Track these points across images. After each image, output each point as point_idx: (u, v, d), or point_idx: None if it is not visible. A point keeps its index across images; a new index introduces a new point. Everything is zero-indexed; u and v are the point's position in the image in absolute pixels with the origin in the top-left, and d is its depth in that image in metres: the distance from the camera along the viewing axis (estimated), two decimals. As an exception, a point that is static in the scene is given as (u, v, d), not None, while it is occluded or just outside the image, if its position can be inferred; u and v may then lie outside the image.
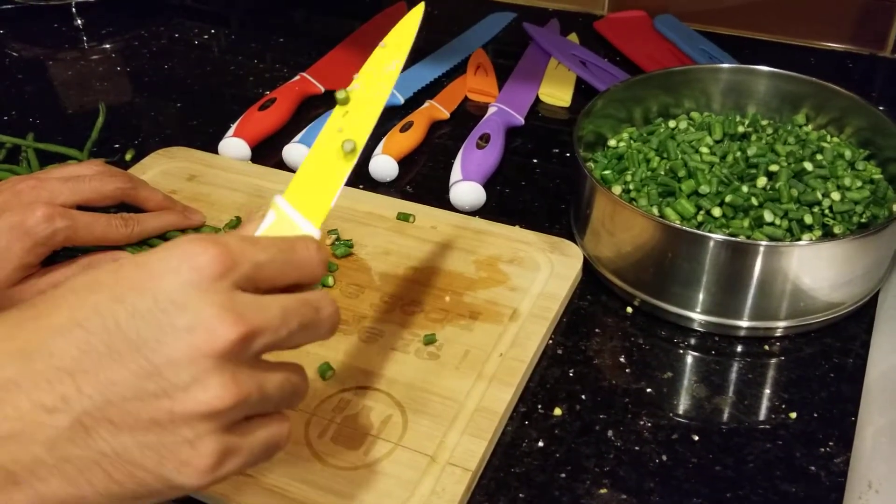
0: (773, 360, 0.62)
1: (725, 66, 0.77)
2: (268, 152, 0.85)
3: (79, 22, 1.15)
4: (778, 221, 0.62)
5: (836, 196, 0.64)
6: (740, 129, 0.72)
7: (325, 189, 0.47)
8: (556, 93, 0.93)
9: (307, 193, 0.46)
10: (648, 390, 0.60)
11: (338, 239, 0.71)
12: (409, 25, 0.54)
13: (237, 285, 0.36)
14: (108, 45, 1.10)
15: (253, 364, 0.37)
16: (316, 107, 0.93)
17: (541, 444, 0.56)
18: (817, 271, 0.60)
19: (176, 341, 0.34)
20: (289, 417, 0.40)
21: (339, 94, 0.51)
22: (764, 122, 0.75)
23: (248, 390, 0.36)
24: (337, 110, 0.51)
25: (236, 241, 0.37)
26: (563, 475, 0.54)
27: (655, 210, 0.65)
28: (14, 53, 1.08)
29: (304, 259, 0.40)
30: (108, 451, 0.34)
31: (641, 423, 0.57)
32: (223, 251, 0.36)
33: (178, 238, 0.37)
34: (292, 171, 0.82)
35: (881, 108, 0.70)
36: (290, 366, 0.40)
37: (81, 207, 0.65)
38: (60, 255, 0.66)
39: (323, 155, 0.48)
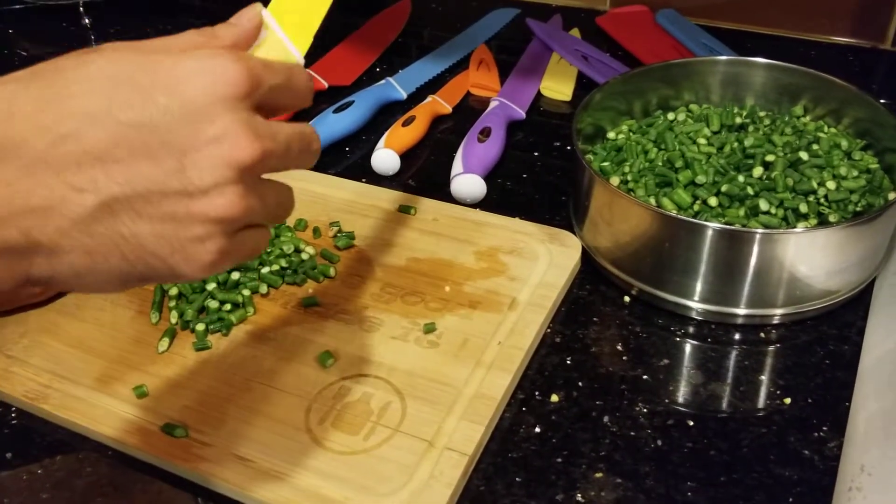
0: (770, 348, 0.63)
1: (723, 58, 0.77)
2: (272, 147, 0.86)
3: (86, 21, 1.17)
4: (773, 210, 0.63)
5: (831, 185, 0.64)
6: (738, 120, 0.73)
7: (308, 20, 0.48)
8: (558, 87, 0.94)
9: (292, 18, 0.47)
10: (645, 377, 0.60)
11: (340, 231, 0.72)
12: None
13: (254, 106, 0.39)
14: (115, 44, 1.11)
15: (257, 181, 0.40)
16: (319, 102, 0.93)
17: (538, 429, 0.57)
18: (813, 259, 0.60)
19: (204, 148, 0.37)
20: (269, 228, 0.44)
21: None
22: (762, 114, 0.75)
23: (254, 204, 0.39)
24: None
25: (257, 64, 0.39)
26: (560, 460, 0.55)
27: (653, 200, 0.66)
28: (23, 53, 1.09)
29: (302, 86, 0.43)
30: (127, 235, 0.37)
31: (637, 409, 0.58)
32: (250, 72, 0.38)
33: (205, 50, 0.39)
34: (296, 165, 0.83)
35: (882, 100, 0.70)
36: (282, 186, 0.43)
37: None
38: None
39: None
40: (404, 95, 0.93)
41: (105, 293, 0.40)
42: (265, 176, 0.42)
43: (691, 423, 0.57)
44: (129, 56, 0.37)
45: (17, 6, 1.20)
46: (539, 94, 0.94)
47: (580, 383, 0.60)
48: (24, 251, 0.36)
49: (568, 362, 0.62)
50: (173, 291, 0.66)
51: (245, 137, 0.38)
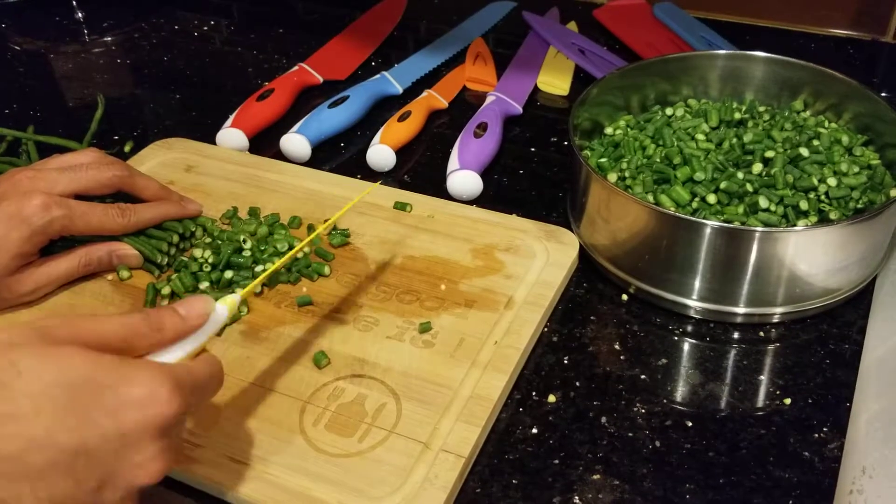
0: (769, 347, 0.62)
1: (722, 52, 0.76)
2: (266, 143, 0.85)
3: (80, 15, 1.16)
4: (773, 207, 0.62)
5: (832, 182, 0.64)
6: (737, 115, 0.72)
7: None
8: (555, 81, 0.93)
9: None
10: (643, 377, 0.60)
11: (335, 228, 0.72)
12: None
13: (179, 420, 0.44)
14: (108, 38, 1.10)
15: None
16: (314, 97, 0.93)
17: (535, 430, 0.56)
18: (813, 257, 0.60)
19: (124, 473, 0.41)
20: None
21: None
22: (761, 109, 0.75)
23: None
24: None
25: (192, 390, 0.44)
26: (557, 461, 0.54)
27: (650, 197, 0.65)
28: (16, 47, 1.08)
29: (216, 390, 0.48)
30: None
31: (635, 409, 0.57)
32: (184, 403, 0.43)
33: (148, 373, 0.42)
34: (290, 161, 0.82)
35: (883, 93, 0.69)
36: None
37: (79, 197, 0.65)
38: (58, 245, 0.66)
39: None
40: (400, 90, 0.92)
41: None
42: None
43: (690, 424, 0.56)
44: (81, 363, 0.40)
45: (11, 0, 1.18)
46: (536, 89, 0.93)
47: (577, 383, 0.59)
48: None
49: (565, 362, 0.61)
50: (165, 290, 0.65)
51: (162, 464, 0.42)
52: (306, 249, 0.69)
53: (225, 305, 0.49)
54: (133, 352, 0.45)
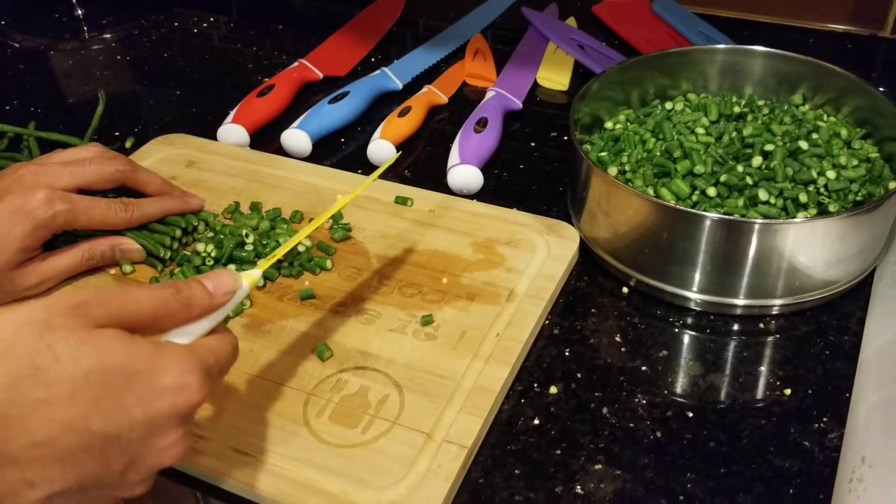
0: (769, 338, 0.62)
1: (721, 46, 0.77)
2: (267, 138, 0.86)
3: (79, 12, 1.16)
4: (773, 200, 0.63)
5: (831, 174, 0.64)
6: (736, 109, 0.72)
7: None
8: (555, 77, 0.93)
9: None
10: (644, 368, 0.60)
11: (336, 223, 0.72)
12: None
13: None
14: (108, 35, 1.10)
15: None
16: (314, 93, 0.93)
17: (537, 421, 0.57)
18: (812, 249, 0.60)
19: (149, 457, 0.42)
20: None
21: None
22: (760, 103, 0.75)
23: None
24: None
25: (215, 377, 0.46)
26: (559, 452, 0.55)
27: (651, 190, 0.65)
28: (16, 44, 1.08)
29: (235, 358, 0.49)
30: None
31: (636, 400, 0.58)
32: (208, 392, 0.44)
33: (182, 364, 0.43)
34: (290, 156, 0.82)
35: (881, 88, 0.70)
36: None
37: (83, 191, 0.65)
38: (61, 239, 0.66)
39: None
40: (400, 86, 0.92)
41: None
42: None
43: (690, 415, 0.57)
44: (116, 351, 0.41)
45: (10, -3, 1.19)
46: (535, 84, 0.93)
47: (579, 375, 0.60)
48: None
49: (566, 354, 0.61)
50: (168, 284, 0.66)
51: (183, 447, 0.44)
52: (308, 244, 0.69)
53: (246, 281, 0.50)
54: (161, 328, 0.45)
